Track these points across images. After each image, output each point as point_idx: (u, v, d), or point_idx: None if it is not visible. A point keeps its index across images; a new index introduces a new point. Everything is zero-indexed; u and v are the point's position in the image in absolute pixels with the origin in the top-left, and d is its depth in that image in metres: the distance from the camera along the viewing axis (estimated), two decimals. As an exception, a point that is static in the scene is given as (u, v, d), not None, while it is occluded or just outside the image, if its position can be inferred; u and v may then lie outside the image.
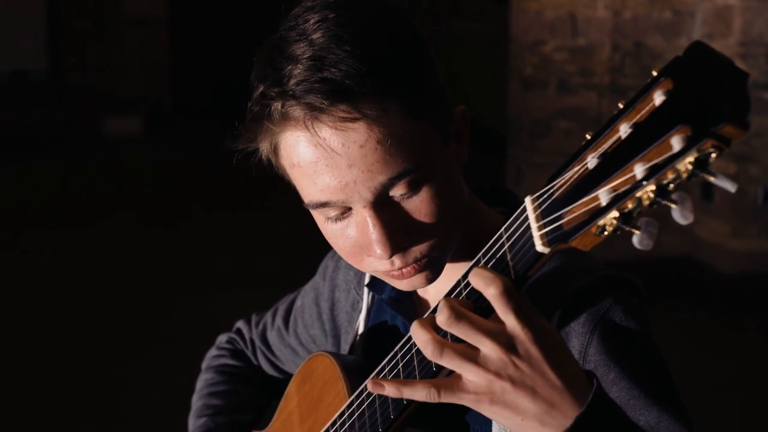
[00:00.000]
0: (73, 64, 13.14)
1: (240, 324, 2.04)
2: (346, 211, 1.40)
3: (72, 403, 4.96)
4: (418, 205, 1.39)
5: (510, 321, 1.17)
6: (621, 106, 1.06)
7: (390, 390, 1.25)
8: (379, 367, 1.40)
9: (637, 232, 1.04)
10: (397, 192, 1.38)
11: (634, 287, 1.48)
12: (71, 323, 5.95)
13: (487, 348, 1.16)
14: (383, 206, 1.38)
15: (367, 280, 1.72)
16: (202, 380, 1.98)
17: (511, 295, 1.17)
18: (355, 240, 1.42)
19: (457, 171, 1.47)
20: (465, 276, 1.27)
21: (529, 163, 6.65)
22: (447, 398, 1.20)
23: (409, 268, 1.42)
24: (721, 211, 6.34)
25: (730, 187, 0.97)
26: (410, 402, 1.35)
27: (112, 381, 5.18)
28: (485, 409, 1.19)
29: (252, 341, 2.01)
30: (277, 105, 1.36)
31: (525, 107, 6.66)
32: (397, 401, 1.37)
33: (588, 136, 1.09)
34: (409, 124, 1.36)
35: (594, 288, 1.43)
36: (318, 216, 1.45)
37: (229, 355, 2.00)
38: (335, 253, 1.85)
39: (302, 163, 1.38)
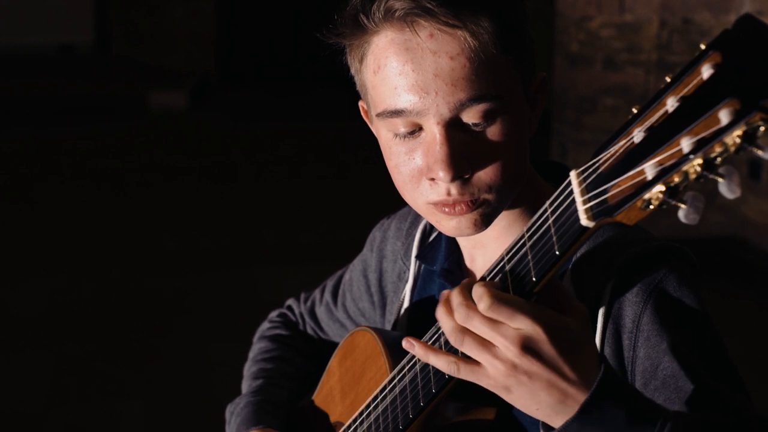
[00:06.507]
0: (119, 37, 13.23)
1: (290, 301, 2.07)
2: (415, 130, 1.41)
3: (111, 365, 5.03)
4: (487, 139, 1.40)
5: (520, 322, 1.20)
6: (668, 79, 1.05)
7: (419, 351, 1.31)
8: (426, 334, 1.40)
9: (683, 206, 1.03)
10: (471, 119, 1.39)
11: (687, 257, 1.47)
12: (110, 284, 6.05)
13: (502, 345, 1.20)
14: (455, 129, 1.39)
15: (415, 252, 1.73)
16: (256, 349, 2.00)
17: (505, 300, 1.20)
18: (418, 162, 1.42)
19: (527, 131, 1.48)
20: (509, 251, 1.28)
21: (574, 140, 6.61)
22: (466, 376, 1.25)
23: (462, 205, 1.42)
24: (769, 190, 6.26)
25: (779, 160, 0.96)
26: (452, 377, 1.35)
27: (143, 348, 5.25)
28: (503, 395, 1.24)
29: (302, 315, 2.03)
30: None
31: (571, 83, 6.61)
32: (439, 376, 1.37)
33: (634, 110, 1.08)
34: (498, 54, 1.38)
35: (647, 257, 1.43)
36: (385, 133, 1.45)
37: (282, 327, 2.03)
38: (382, 224, 1.87)
39: (389, 66, 1.39)
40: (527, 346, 1.19)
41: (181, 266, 6.38)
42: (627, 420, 1.19)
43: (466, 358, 1.25)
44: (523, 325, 1.19)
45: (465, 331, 1.22)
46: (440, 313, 1.26)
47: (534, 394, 1.21)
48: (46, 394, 4.77)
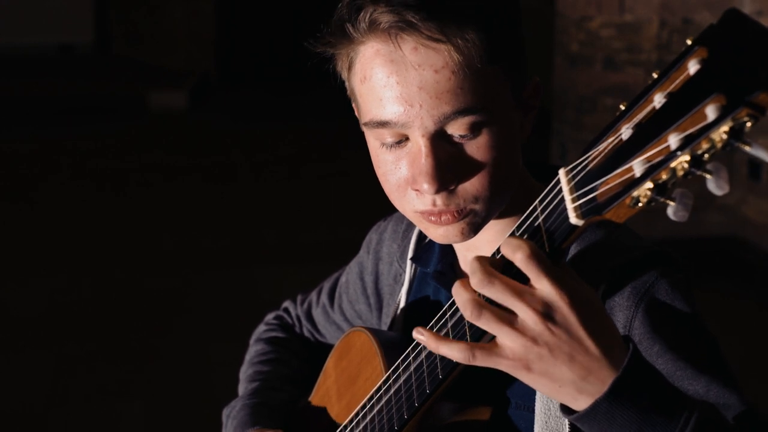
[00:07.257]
0: (119, 37, 13.24)
1: (286, 303, 2.06)
2: (402, 140, 1.41)
3: (111, 365, 5.03)
4: (474, 151, 1.39)
5: (544, 285, 1.15)
6: (655, 75, 1.04)
7: (429, 341, 1.23)
8: (429, 326, 1.37)
9: (671, 203, 1.02)
10: (457, 131, 1.38)
11: (678, 262, 1.46)
12: (110, 284, 6.05)
13: (523, 312, 1.15)
14: (440, 141, 1.38)
15: (410, 254, 1.72)
16: (252, 351, 1.99)
17: (540, 258, 1.16)
18: (404, 172, 1.42)
19: (518, 138, 1.47)
20: (499, 250, 1.26)
21: (573, 140, 6.61)
22: (482, 361, 1.18)
23: (448, 215, 1.41)
24: (769, 190, 6.26)
25: (765, 156, 0.95)
26: (446, 377, 1.35)
27: (142, 349, 5.25)
28: (522, 376, 1.18)
29: (298, 317, 2.02)
30: (368, 10, 1.37)
31: (571, 83, 6.61)
32: (433, 376, 1.37)
33: (622, 107, 1.08)
34: (485, 65, 1.37)
35: (639, 262, 1.42)
36: (373, 141, 1.45)
37: (278, 329, 2.02)
38: (379, 226, 1.86)
39: (374, 77, 1.39)
40: (549, 314, 1.14)
41: (181, 266, 6.38)
42: (655, 401, 1.16)
43: (480, 343, 1.19)
44: (547, 289, 1.15)
45: (483, 304, 1.17)
46: (456, 287, 1.19)
47: (555, 370, 1.16)
48: (46, 394, 4.77)
